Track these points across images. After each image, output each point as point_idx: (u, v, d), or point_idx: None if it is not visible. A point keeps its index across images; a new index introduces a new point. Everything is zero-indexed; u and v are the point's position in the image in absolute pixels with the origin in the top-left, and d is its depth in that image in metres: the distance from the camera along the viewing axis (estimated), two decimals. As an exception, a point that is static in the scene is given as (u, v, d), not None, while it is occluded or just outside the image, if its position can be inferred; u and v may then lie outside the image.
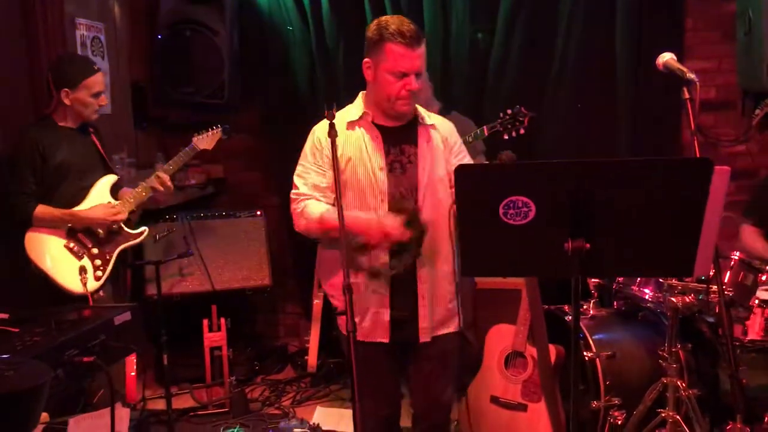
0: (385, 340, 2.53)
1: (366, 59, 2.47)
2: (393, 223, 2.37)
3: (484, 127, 3.47)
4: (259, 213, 4.45)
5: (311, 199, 2.52)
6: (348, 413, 3.33)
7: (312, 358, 4.33)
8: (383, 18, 2.46)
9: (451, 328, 2.62)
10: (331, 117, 2.36)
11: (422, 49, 2.40)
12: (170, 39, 4.32)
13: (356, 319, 2.48)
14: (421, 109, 2.57)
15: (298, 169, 2.59)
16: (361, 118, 2.51)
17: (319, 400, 4.14)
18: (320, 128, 2.54)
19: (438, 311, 2.57)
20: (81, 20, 3.88)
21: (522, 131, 3.34)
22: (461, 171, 1.84)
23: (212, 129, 3.63)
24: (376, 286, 2.50)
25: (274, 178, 4.80)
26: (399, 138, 2.49)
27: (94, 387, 2.79)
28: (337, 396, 4.19)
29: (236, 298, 4.36)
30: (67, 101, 3.12)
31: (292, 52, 4.55)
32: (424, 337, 2.55)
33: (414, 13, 4.17)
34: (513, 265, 1.93)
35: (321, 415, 3.87)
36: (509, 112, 3.29)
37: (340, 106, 2.46)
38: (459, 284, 2.63)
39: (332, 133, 2.34)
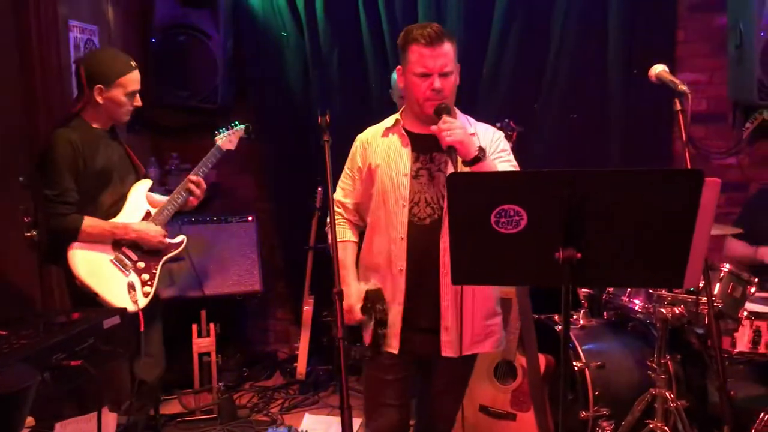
0: (395, 351, 2.46)
1: (398, 67, 2.49)
2: (353, 302, 2.44)
3: None
4: (250, 218, 4.44)
5: (341, 220, 2.63)
6: (336, 420, 3.31)
7: (301, 365, 4.33)
8: (411, 25, 2.48)
9: (485, 347, 2.52)
10: (324, 123, 2.37)
11: (445, 49, 2.35)
12: (164, 43, 4.32)
13: (369, 331, 2.47)
14: (462, 118, 2.53)
15: (343, 173, 2.67)
16: (394, 125, 2.53)
17: (307, 407, 4.12)
18: (361, 135, 2.61)
19: (471, 327, 2.46)
20: (74, 22, 3.87)
21: (510, 145, 3.36)
22: (453, 179, 1.85)
23: (233, 127, 3.47)
24: (390, 294, 2.46)
25: (267, 184, 4.80)
26: (431, 146, 2.44)
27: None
28: (326, 403, 4.17)
29: (226, 303, 4.34)
30: (99, 99, 2.94)
31: (287, 57, 4.55)
32: (448, 352, 2.44)
33: (408, 21, 4.16)
34: (504, 273, 1.93)
35: (309, 422, 3.85)
36: (498, 125, 3.31)
37: (334, 112, 2.47)
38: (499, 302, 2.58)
39: (324, 138, 2.37)
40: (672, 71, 2.50)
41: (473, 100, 4.23)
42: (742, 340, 2.97)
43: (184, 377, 4.10)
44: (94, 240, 2.92)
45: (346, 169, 2.63)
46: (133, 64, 3.04)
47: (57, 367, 2.06)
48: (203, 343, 4.00)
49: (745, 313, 2.97)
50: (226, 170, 4.79)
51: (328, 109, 2.44)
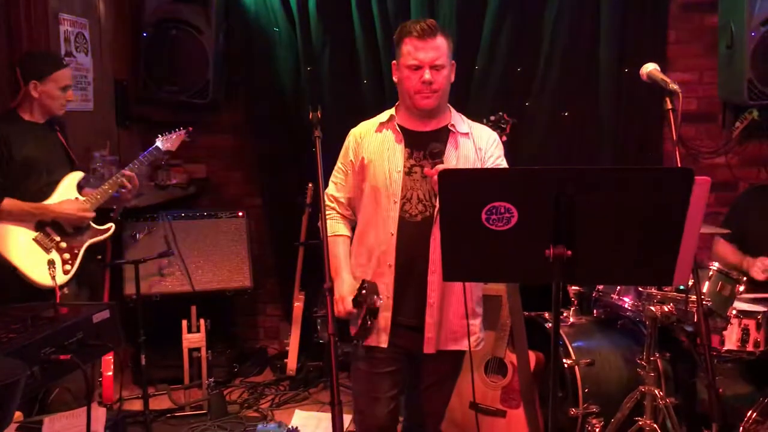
0: (384, 345, 2.47)
1: (393, 62, 2.49)
2: (345, 293, 2.43)
3: None
4: (240, 214, 4.44)
5: (334, 214, 2.60)
6: (327, 417, 3.31)
7: (291, 361, 4.32)
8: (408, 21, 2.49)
9: (462, 345, 2.51)
10: (316, 118, 2.37)
11: (437, 43, 2.37)
12: (155, 37, 4.30)
13: (358, 321, 2.48)
14: (457, 117, 2.54)
15: (335, 167, 2.65)
16: (388, 120, 2.53)
17: (297, 404, 4.12)
18: (354, 129, 2.61)
19: (449, 324, 2.49)
20: (65, 16, 3.85)
21: (504, 138, 3.37)
22: (445, 175, 1.85)
23: (177, 130, 3.64)
24: (378, 289, 2.46)
25: (258, 180, 4.78)
26: (425, 142, 2.44)
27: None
28: (316, 399, 4.17)
29: (216, 299, 4.33)
30: (35, 93, 3.12)
31: (278, 53, 4.54)
32: (429, 349, 2.46)
33: (400, 17, 4.17)
34: (494, 270, 1.93)
35: (299, 418, 3.85)
36: (492, 118, 3.32)
37: (325, 108, 2.47)
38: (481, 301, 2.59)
39: (315, 133, 2.36)
40: (663, 71, 2.50)
41: (465, 98, 4.23)
42: (731, 339, 2.98)
43: (174, 373, 4.09)
44: (15, 219, 3.07)
45: (339, 164, 2.62)
46: (65, 62, 3.26)
47: (46, 361, 2.05)
48: (193, 338, 4.00)
49: (734, 312, 2.99)
50: (216, 166, 4.78)
51: (320, 105, 2.43)
